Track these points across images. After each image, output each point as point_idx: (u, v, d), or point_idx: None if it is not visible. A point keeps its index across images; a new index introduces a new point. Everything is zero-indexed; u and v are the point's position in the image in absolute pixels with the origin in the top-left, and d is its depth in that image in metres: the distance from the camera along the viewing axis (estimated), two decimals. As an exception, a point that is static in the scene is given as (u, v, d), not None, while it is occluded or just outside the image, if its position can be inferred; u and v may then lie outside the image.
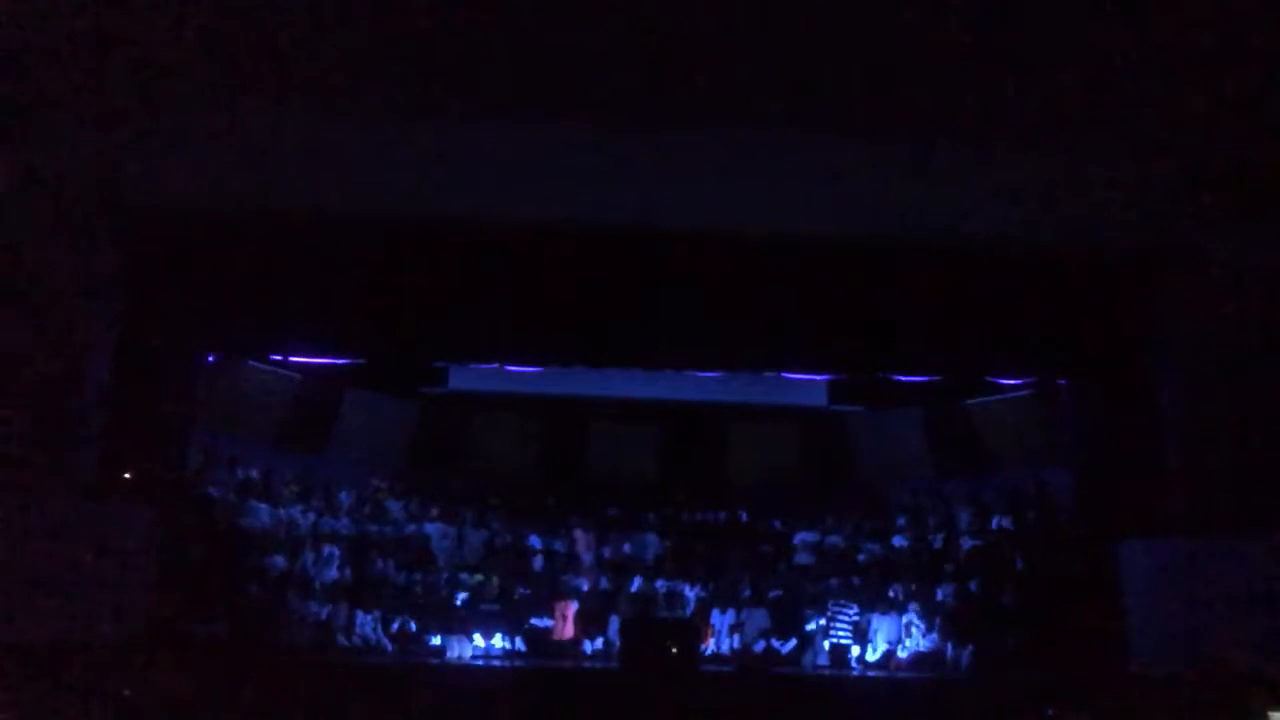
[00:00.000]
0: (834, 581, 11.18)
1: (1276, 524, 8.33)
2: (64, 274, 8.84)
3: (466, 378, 12.54)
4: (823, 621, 10.70)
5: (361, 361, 11.56)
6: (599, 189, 8.98)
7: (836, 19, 6.84)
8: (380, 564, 11.11)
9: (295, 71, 7.49)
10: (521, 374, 11.79)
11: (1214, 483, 8.96)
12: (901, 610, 10.70)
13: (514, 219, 9.33)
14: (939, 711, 8.63)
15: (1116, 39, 6.92)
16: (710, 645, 10.78)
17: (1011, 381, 11.55)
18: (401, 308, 9.99)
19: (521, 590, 11.16)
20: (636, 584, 11.33)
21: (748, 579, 11.45)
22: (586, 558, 11.84)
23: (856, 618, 10.65)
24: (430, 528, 11.80)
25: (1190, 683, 7.81)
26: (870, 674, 10.06)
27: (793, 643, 10.67)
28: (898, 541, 11.83)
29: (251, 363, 11.62)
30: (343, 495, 11.84)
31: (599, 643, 10.82)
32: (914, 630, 10.52)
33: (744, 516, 12.66)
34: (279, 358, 11.44)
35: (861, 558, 11.64)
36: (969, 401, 12.37)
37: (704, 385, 12.47)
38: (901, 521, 12.12)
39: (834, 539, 12.02)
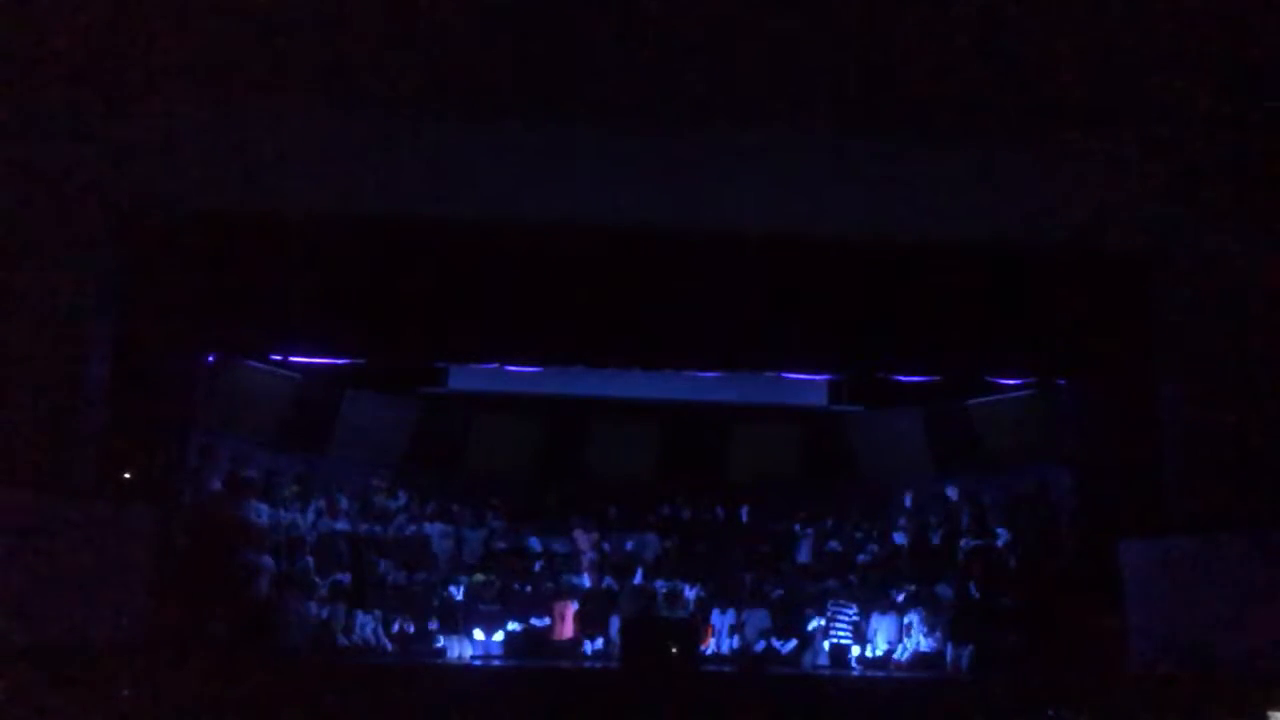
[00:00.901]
0: (834, 581, 11.17)
1: (1276, 524, 8.34)
2: (64, 274, 8.84)
3: (466, 378, 12.53)
4: (823, 621, 10.69)
5: (361, 361, 11.56)
6: (599, 189, 8.99)
7: (836, 19, 6.85)
8: (380, 564, 11.10)
9: (295, 71, 7.50)
10: (521, 374, 11.78)
11: (1214, 483, 8.96)
12: (901, 610, 10.70)
13: (514, 219, 9.34)
14: (939, 711, 8.62)
15: (1116, 39, 6.93)
16: (710, 645, 10.77)
17: (1011, 381, 11.55)
18: (401, 308, 9.99)
19: (521, 590, 11.16)
20: (636, 584, 11.32)
21: (748, 579, 11.44)
22: (586, 558, 11.83)
23: (856, 618, 10.64)
24: (430, 528, 11.79)
25: (1190, 683, 7.81)
26: (870, 674, 10.06)
27: (793, 643, 10.66)
28: (898, 541, 11.82)
29: (251, 363, 11.61)
30: (343, 495, 11.83)
31: (599, 643, 10.80)
32: (914, 630, 10.52)
33: (744, 516, 12.65)
34: (279, 358, 11.43)
35: (861, 558, 11.62)
36: (969, 401, 12.36)
37: (704, 385, 12.46)
38: (901, 521, 12.11)
39: (834, 539, 12.01)
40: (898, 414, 13.07)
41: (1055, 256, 9.61)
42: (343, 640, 10.25)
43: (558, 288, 9.87)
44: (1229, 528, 8.62)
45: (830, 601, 10.74)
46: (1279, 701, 7.09)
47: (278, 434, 12.14)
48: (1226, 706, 7.25)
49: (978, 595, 10.46)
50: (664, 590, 11.19)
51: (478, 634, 10.48)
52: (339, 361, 11.44)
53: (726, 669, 10.30)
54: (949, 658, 10.17)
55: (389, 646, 10.46)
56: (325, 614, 10.29)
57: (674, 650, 9.05)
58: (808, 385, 12.70)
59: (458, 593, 10.99)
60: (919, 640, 10.44)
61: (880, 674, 10.05)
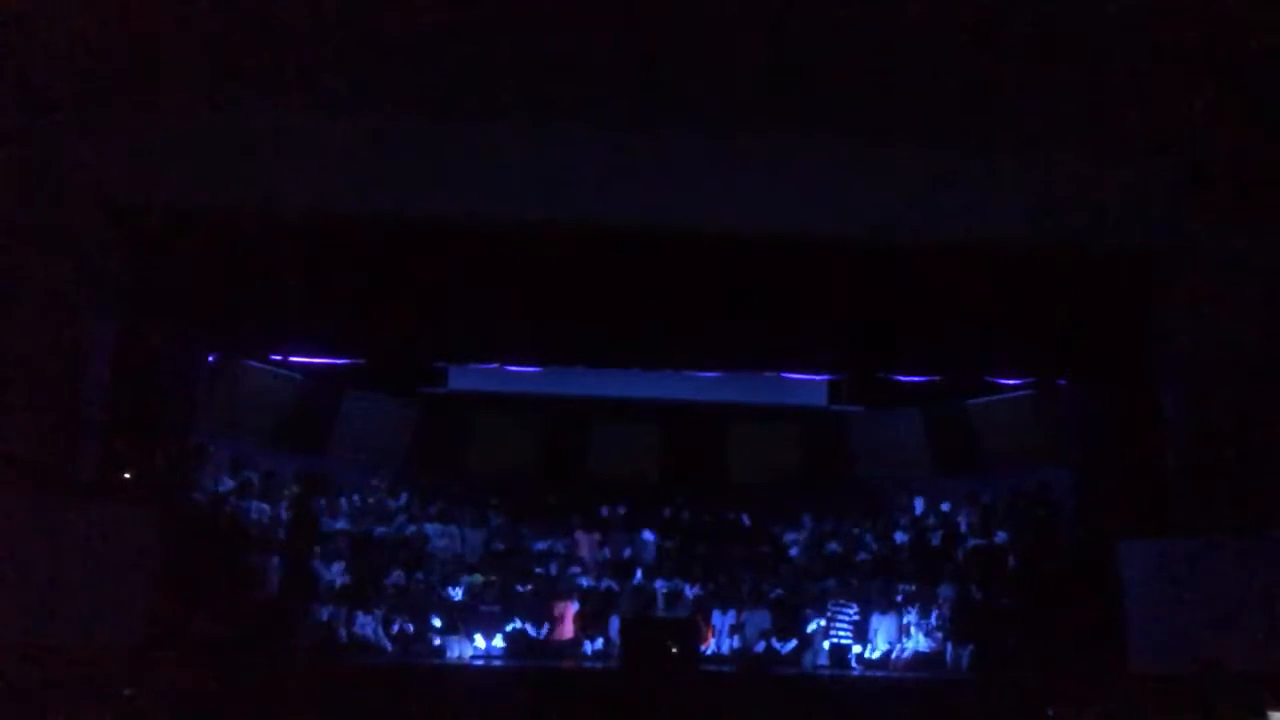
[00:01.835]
0: (834, 581, 11.17)
1: (1276, 524, 8.33)
2: (64, 274, 8.84)
3: (466, 378, 12.53)
4: (823, 621, 10.69)
5: (361, 361, 11.56)
6: (599, 189, 8.98)
7: (837, 19, 6.85)
8: (380, 564, 11.10)
9: (295, 71, 7.50)
10: (521, 374, 11.79)
11: (1214, 483, 8.96)
12: (901, 610, 10.70)
13: (514, 219, 9.33)
14: (939, 711, 8.63)
15: (1116, 39, 6.93)
16: (710, 645, 10.77)
17: (1011, 381, 11.54)
18: (401, 308, 9.97)
19: (521, 590, 11.16)
20: (636, 584, 11.32)
21: (748, 579, 11.44)
22: (587, 558, 11.84)
23: (856, 618, 10.64)
24: (430, 528, 11.80)
25: (1190, 683, 7.81)
26: (870, 674, 10.05)
27: (793, 643, 10.66)
28: (898, 541, 11.82)
29: (251, 363, 11.61)
30: (343, 495, 11.83)
31: (599, 643, 10.81)
32: (914, 630, 10.52)
33: (744, 516, 12.65)
34: (279, 358, 11.43)
35: (861, 558, 11.63)
36: (969, 401, 12.36)
37: (704, 385, 12.47)
38: (902, 521, 12.11)
39: (834, 539, 12.02)
40: (898, 414, 13.08)
41: (1055, 256, 9.60)
42: (343, 640, 10.25)
43: (558, 288, 9.86)
44: (1229, 528, 8.62)
45: (830, 601, 10.75)
46: (1279, 702, 7.10)
47: (278, 434, 12.14)
48: (1226, 706, 7.26)
49: (978, 595, 10.47)
50: (664, 590, 11.20)
51: (478, 635, 10.48)
52: (339, 361, 11.44)
53: (726, 669, 10.29)
54: (949, 658, 10.18)
55: (389, 646, 10.45)
56: (326, 614, 10.29)
57: (674, 650, 9.05)
58: (808, 385, 12.70)
59: (457, 593, 10.99)
60: (919, 640, 10.44)
61: (880, 674, 10.05)
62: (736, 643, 10.86)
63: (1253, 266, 8.90)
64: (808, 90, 7.63)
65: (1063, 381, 10.85)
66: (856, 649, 10.51)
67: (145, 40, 7.20)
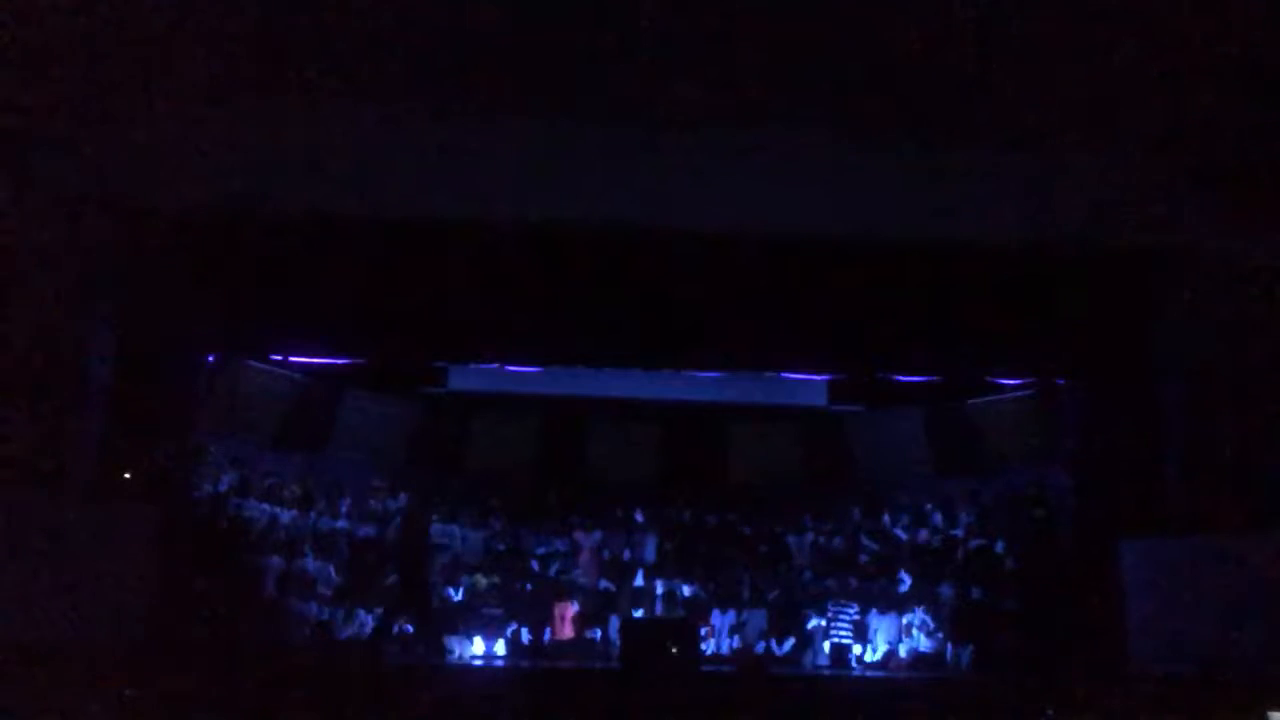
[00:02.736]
0: (834, 581, 11.17)
1: (1276, 524, 8.33)
2: (64, 274, 8.84)
3: (466, 378, 12.52)
4: (823, 621, 10.70)
5: (361, 361, 11.56)
6: (600, 189, 8.98)
7: (837, 19, 6.85)
8: (380, 564, 11.08)
9: (296, 71, 7.50)
10: (521, 374, 11.78)
11: (1214, 483, 8.97)
12: (901, 610, 10.70)
13: (514, 219, 9.33)
14: (939, 711, 8.61)
15: (1116, 39, 6.93)
16: (710, 645, 10.77)
17: (1011, 381, 11.54)
18: (401, 308, 9.98)
19: (521, 590, 11.15)
20: (636, 584, 11.32)
21: (748, 579, 11.44)
22: (587, 558, 11.83)
23: (856, 618, 10.64)
24: (430, 528, 11.77)
25: (1190, 683, 7.81)
26: (870, 674, 10.05)
27: (793, 643, 10.67)
28: (898, 541, 11.82)
29: (251, 363, 11.61)
30: (343, 495, 11.82)
31: (599, 643, 10.80)
32: (914, 630, 10.52)
33: (744, 517, 12.64)
34: (279, 358, 11.43)
35: (862, 558, 11.63)
36: (969, 401, 12.36)
37: (704, 385, 12.46)
38: (902, 521, 12.11)
39: (834, 539, 12.01)
40: (898, 414, 13.07)
41: (1055, 256, 9.60)
42: (343, 640, 10.24)
43: (558, 288, 9.86)
44: (1229, 528, 8.62)
45: (830, 601, 10.75)
46: (1279, 702, 7.09)
47: (278, 434, 12.13)
48: (1226, 706, 7.25)
49: (978, 595, 10.47)
50: (664, 590, 11.19)
51: (478, 635, 10.47)
52: (339, 361, 11.44)
53: (726, 669, 10.29)
54: (949, 658, 10.18)
55: (389, 647, 10.44)
56: (325, 614, 10.28)
57: (674, 650, 9.04)
58: (808, 385, 12.69)
59: (458, 593, 10.98)
60: (919, 640, 10.44)
61: (880, 674, 10.05)
62: (736, 642, 10.86)
63: (1251, 266, 8.90)
64: (807, 90, 7.62)
65: (1063, 381, 10.85)
66: (856, 649, 10.52)
67: (145, 40, 7.20)
